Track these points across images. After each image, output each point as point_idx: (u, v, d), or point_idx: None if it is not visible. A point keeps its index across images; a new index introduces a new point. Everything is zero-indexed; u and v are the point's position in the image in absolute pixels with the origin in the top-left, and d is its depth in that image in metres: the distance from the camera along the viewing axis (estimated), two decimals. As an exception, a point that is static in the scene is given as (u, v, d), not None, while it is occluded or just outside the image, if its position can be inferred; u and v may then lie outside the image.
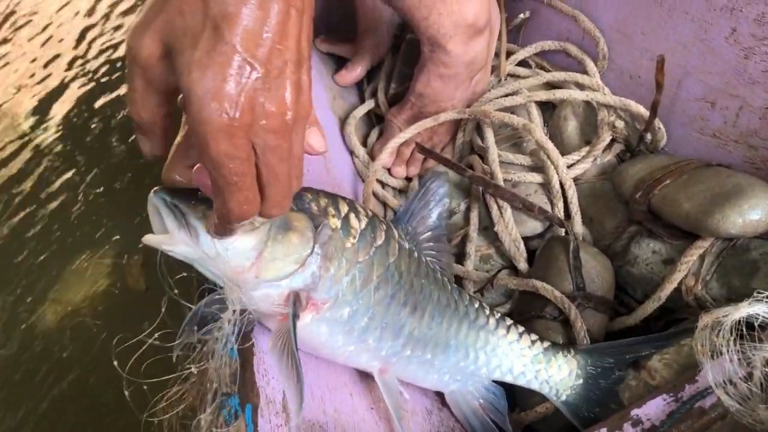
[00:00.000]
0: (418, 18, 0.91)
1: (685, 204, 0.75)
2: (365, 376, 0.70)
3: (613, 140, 0.91)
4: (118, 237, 1.50)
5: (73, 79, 2.07)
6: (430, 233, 0.74)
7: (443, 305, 0.68)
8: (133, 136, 1.73)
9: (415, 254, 0.69)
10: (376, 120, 1.13)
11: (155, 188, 0.51)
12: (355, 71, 1.14)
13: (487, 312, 0.73)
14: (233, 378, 0.52)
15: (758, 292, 0.58)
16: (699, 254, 0.74)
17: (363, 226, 0.62)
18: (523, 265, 0.86)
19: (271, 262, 0.52)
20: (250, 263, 0.51)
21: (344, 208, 0.61)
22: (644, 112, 0.86)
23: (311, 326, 0.58)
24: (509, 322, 0.74)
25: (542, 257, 0.84)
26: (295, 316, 0.54)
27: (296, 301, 0.54)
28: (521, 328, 0.74)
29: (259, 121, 0.41)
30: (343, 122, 1.08)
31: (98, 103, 1.93)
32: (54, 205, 1.65)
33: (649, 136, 0.88)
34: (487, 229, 0.90)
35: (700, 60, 0.83)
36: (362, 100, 1.15)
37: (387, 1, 0.92)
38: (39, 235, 1.58)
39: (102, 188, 1.64)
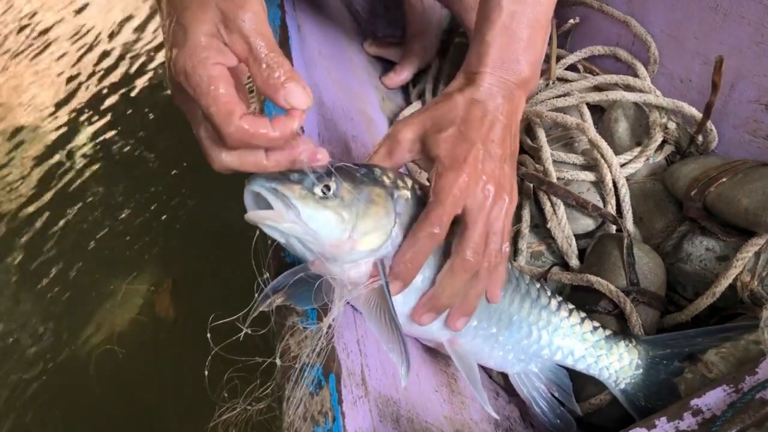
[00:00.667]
0: (469, 20, 0.94)
1: (743, 200, 0.76)
2: (430, 361, 0.71)
3: (663, 142, 0.92)
4: (150, 264, 1.50)
5: (106, 102, 2.10)
6: None
7: (506, 280, 0.69)
8: (164, 162, 1.76)
9: None
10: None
11: (250, 177, 0.53)
12: (403, 74, 1.17)
13: (549, 293, 0.74)
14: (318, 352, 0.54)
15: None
16: (755, 251, 0.75)
17: (423, 195, 0.63)
18: (574, 261, 0.87)
19: (365, 236, 0.55)
20: (348, 236, 0.54)
21: (408, 181, 0.63)
22: (696, 113, 0.88)
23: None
24: (571, 306, 0.75)
25: (594, 254, 0.85)
26: (387, 283, 0.56)
27: (384, 268, 0.57)
28: (583, 314, 0.75)
29: None
30: (391, 121, 1.10)
31: (133, 131, 1.96)
32: (86, 229, 1.66)
33: (700, 138, 0.90)
34: (538, 226, 0.92)
35: (756, 63, 0.84)
36: (408, 103, 1.17)
37: (445, 3, 0.95)
38: (69, 260, 1.59)
39: (135, 215, 1.65)
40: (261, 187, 0.52)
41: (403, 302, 0.61)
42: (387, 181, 0.60)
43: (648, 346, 0.73)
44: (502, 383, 0.80)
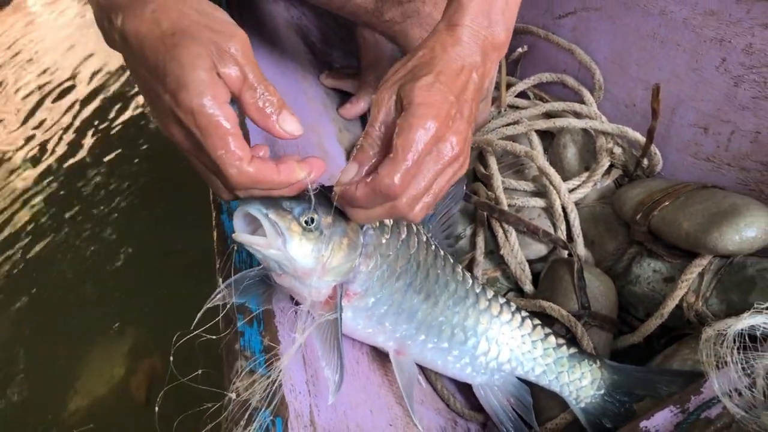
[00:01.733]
0: None
1: (684, 223, 0.78)
2: (384, 395, 0.72)
3: (611, 166, 0.95)
4: (130, 336, 1.48)
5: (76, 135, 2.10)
6: (449, 230, 0.80)
7: (458, 296, 0.72)
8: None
9: (433, 246, 0.72)
10: (380, 151, 1.16)
11: (244, 199, 0.55)
12: (359, 104, 1.18)
13: (513, 308, 0.76)
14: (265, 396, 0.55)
15: (758, 304, 0.61)
16: (699, 272, 0.78)
17: (392, 222, 0.67)
18: (528, 287, 0.89)
19: (334, 268, 0.59)
20: (320, 266, 0.58)
21: None
22: (641, 138, 0.91)
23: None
24: (536, 322, 0.76)
25: (547, 279, 0.87)
26: (341, 307, 0.60)
27: (342, 293, 0.61)
28: (548, 330, 0.76)
29: None
30: (349, 153, 1.11)
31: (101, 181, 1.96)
32: (62, 293, 1.64)
33: (645, 162, 0.92)
34: (493, 253, 0.93)
35: (693, 88, 0.87)
36: (366, 132, 1.18)
37: (391, 39, 0.97)
38: (44, 327, 1.57)
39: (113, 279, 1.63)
40: (258, 212, 0.55)
41: (351, 318, 0.65)
42: None
43: (612, 371, 0.75)
44: (457, 406, 0.81)
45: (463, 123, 0.54)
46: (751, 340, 0.59)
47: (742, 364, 0.59)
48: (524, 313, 0.76)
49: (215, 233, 0.73)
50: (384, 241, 0.65)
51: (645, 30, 0.91)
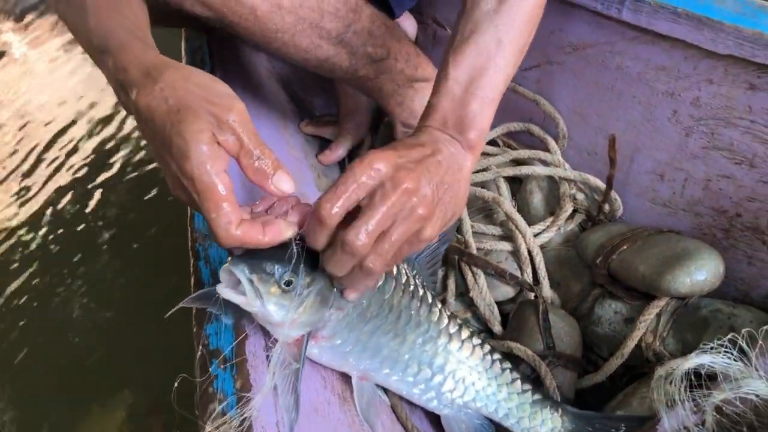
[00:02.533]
0: (393, 105, 1.01)
1: (640, 267, 0.82)
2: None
3: (575, 211, 0.99)
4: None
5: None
6: (434, 267, 0.83)
7: (429, 335, 0.75)
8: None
9: (411, 286, 0.75)
10: (358, 196, 1.21)
11: (232, 259, 0.61)
12: (338, 151, 1.23)
13: (486, 350, 0.78)
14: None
15: (704, 344, 0.65)
16: (656, 313, 0.82)
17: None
18: (497, 327, 0.93)
19: (305, 323, 0.64)
20: (291, 320, 0.63)
21: None
22: (601, 185, 0.95)
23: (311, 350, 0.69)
24: (506, 365, 0.79)
25: (515, 320, 0.91)
26: (304, 358, 0.64)
27: (308, 340, 0.65)
28: (516, 374, 0.78)
29: None
30: (327, 198, 1.15)
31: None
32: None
33: (607, 207, 0.97)
34: (463, 295, 0.97)
35: (649, 138, 0.92)
36: (345, 178, 1.23)
37: (365, 93, 1.02)
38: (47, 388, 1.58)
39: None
40: (242, 275, 0.59)
41: (317, 354, 0.70)
42: None
43: (573, 418, 0.77)
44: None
45: (426, 185, 0.58)
46: (702, 379, 0.63)
47: (691, 402, 0.63)
48: (496, 356, 0.79)
49: (192, 279, 0.77)
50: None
51: (603, 83, 0.96)
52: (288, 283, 0.61)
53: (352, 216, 0.56)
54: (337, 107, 1.23)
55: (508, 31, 0.67)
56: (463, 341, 0.77)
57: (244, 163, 0.57)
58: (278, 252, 0.60)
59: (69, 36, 2.92)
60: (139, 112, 0.57)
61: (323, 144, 1.27)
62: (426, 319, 0.75)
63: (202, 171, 0.54)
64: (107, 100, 2.40)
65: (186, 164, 0.54)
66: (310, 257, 0.62)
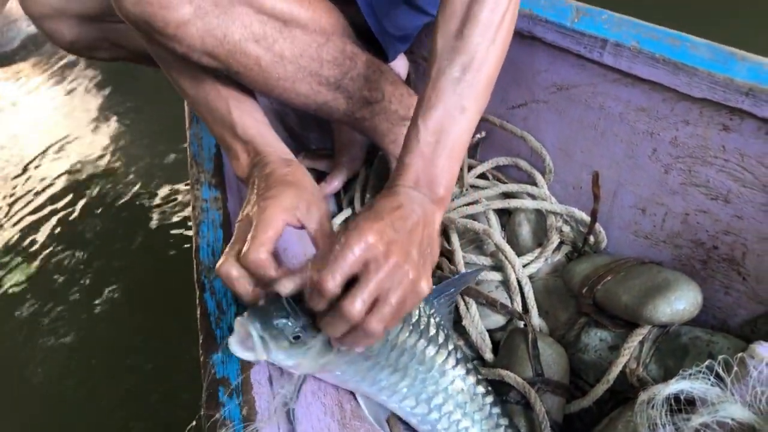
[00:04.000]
0: (387, 142, 1.06)
1: (623, 297, 0.87)
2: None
3: (561, 242, 1.04)
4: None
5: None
6: (451, 307, 0.88)
7: (431, 375, 0.79)
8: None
9: (422, 326, 0.79)
10: (353, 227, 1.25)
11: (246, 313, 0.69)
12: (333, 184, 1.27)
13: (487, 401, 0.82)
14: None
15: (683, 370, 0.69)
16: (639, 340, 0.86)
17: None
18: (489, 355, 0.97)
19: (309, 368, 0.71)
20: (296, 366, 0.70)
21: None
22: (586, 218, 1.00)
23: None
24: (503, 421, 0.83)
25: (505, 348, 0.95)
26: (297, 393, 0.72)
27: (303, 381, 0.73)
28: (507, 421, 0.83)
29: None
30: (323, 229, 1.20)
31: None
32: None
33: (592, 239, 1.02)
34: (456, 323, 1.01)
35: (630, 174, 0.98)
36: (340, 209, 1.27)
37: (361, 132, 1.07)
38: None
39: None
40: (254, 331, 0.67)
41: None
42: None
43: None
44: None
45: (413, 251, 0.66)
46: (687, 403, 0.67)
47: (672, 426, 0.67)
48: (495, 409, 0.83)
49: (198, 310, 0.80)
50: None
51: (587, 122, 1.02)
52: (296, 338, 0.68)
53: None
54: (332, 141, 1.28)
55: (470, 97, 0.74)
56: (464, 389, 0.81)
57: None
58: (284, 307, 0.67)
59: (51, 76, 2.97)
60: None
61: (319, 176, 1.31)
62: (431, 360, 0.79)
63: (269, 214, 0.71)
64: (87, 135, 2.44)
65: (258, 207, 0.73)
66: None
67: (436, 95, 0.73)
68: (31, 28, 3.40)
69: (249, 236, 0.70)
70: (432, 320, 0.81)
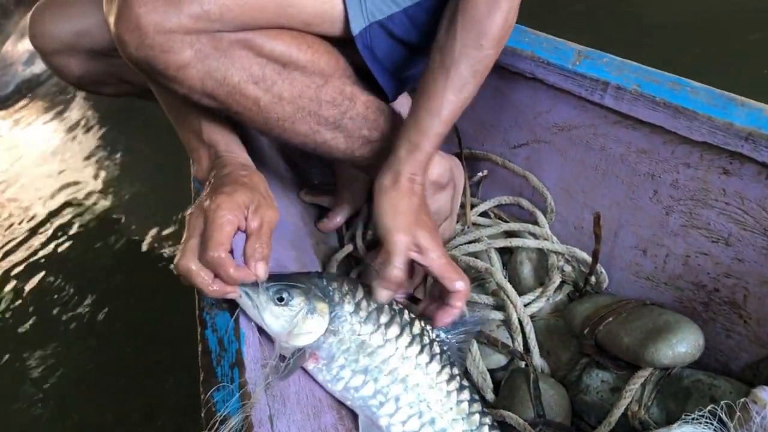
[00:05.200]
0: None
1: (625, 339, 0.87)
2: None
3: (563, 282, 1.04)
4: None
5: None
6: (464, 344, 0.90)
7: (431, 394, 0.82)
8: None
9: (426, 341, 0.84)
10: (354, 263, 1.25)
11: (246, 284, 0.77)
12: (335, 220, 1.28)
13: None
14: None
15: (686, 415, 0.69)
16: (641, 383, 0.86)
17: (372, 307, 0.83)
18: (490, 395, 0.96)
19: (297, 336, 0.78)
20: (287, 332, 0.78)
21: (360, 294, 0.83)
22: (588, 258, 1.01)
23: (311, 371, 0.82)
24: None
25: (506, 388, 0.95)
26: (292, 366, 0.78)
27: (302, 355, 0.79)
28: None
29: None
30: (325, 266, 1.20)
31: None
32: None
33: (593, 279, 1.02)
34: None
35: (631, 215, 0.98)
36: (342, 245, 1.28)
37: (361, 170, 1.08)
38: None
39: None
40: (241, 289, 0.77)
41: (313, 371, 0.82)
42: (336, 296, 0.82)
43: None
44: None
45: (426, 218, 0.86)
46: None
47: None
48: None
49: (200, 347, 0.80)
50: (356, 323, 0.81)
51: (588, 162, 1.03)
52: (280, 299, 0.77)
53: None
54: (335, 177, 1.29)
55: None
56: (465, 416, 0.83)
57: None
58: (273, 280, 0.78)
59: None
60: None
61: (321, 212, 1.32)
62: (434, 380, 0.82)
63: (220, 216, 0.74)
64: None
65: (209, 206, 0.76)
66: (305, 284, 0.80)
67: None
68: (27, 72, 3.45)
69: (206, 234, 0.74)
70: (439, 348, 0.85)
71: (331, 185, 1.32)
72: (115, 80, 1.12)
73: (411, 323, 0.84)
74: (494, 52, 0.88)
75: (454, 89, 0.86)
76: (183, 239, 0.77)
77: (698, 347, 0.83)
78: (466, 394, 0.84)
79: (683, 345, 0.82)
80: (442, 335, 0.87)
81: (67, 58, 1.08)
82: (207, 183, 0.86)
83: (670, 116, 0.88)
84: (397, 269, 0.80)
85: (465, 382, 0.85)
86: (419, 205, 0.85)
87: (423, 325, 0.85)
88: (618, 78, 0.93)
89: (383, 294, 0.81)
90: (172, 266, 0.75)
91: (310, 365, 0.81)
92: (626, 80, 0.92)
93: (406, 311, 0.86)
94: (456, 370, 0.85)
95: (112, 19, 0.78)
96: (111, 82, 1.12)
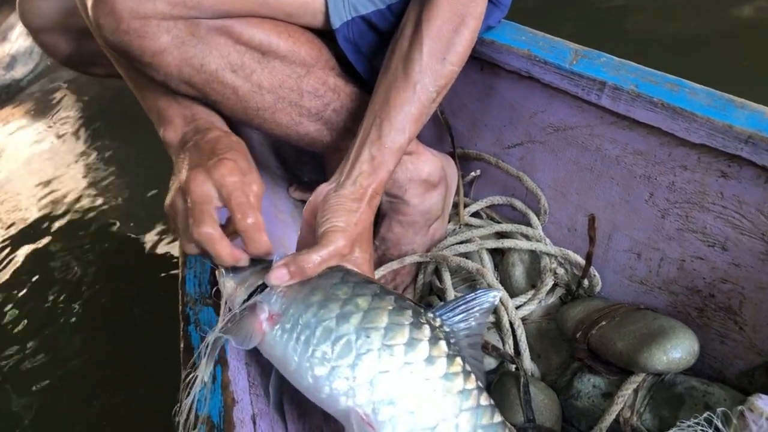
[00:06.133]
0: None
1: (618, 343, 0.85)
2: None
3: (555, 285, 1.02)
4: None
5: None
6: (466, 336, 0.72)
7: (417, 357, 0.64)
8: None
9: (424, 326, 0.66)
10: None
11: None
12: (324, 217, 1.25)
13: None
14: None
15: (680, 422, 0.67)
16: (633, 388, 0.84)
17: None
18: (478, 398, 0.94)
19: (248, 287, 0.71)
20: (236, 284, 0.72)
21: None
22: (581, 260, 0.99)
23: (270, 338, 0.67)
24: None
25: (496, 391, 0.92)
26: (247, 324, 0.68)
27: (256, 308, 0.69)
28: None
29: None
30: (313, 263, 1.17)
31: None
32: None
33: (586, 282, 1.00)
34: (446, 364, 0.98)
35: (626, 218, 0.97)
36: (330, 243, 1.25)
37: None
38: None
39: None
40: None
41: (272, 340, 0.68)
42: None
43: None
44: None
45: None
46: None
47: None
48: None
49: (182, 344, 0.78)
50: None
51: (583, 163, 1.01)
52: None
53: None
54: (324, 173, 1.27)
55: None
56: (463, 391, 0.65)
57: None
58: None
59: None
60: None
61: (310, 210, 1.29)
62: (420, 341, 0.64)
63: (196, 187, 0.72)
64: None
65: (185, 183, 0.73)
66: None
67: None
68: (7, 77, 3.33)
69: (235, 202, 0.71)
70: (445, 332, 0.68)
71: (321, 181, 1.30)
72: (105, 60, 1.09)
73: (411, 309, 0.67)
74: (458, 68, 0.86)
75: (420, 104, 0.83)
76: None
77: (693, 353, 0.81)
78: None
79: (678, 351, 0.81)
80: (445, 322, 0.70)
81: (57, 37, 1.06)
82: (191, 145, 0.82)
83: (668, 117, 0.86)
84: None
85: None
86: (371, 221, 0.80)
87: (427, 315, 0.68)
88: (615, 78, 0.91)
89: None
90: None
91: (267, 327, 0.67)
92: (623, 80, 0.90)
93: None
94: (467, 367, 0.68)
95: (89, 2, 0.77)
96: (101, 62, 1.09)
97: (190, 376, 0.68)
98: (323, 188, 0.82)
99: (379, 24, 0.97)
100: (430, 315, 0.69)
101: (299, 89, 0.93)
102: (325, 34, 0.96)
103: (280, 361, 0.67)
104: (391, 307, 0.66)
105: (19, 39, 3.34)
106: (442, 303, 0.76)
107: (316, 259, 0.70)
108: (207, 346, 0.68)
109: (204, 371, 0.69)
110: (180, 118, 0.88)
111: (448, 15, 0.83)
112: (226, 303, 0.73)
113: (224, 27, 0.84)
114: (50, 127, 2.91)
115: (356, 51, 0.98)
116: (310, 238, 0.81)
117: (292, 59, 0.91)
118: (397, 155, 0.82)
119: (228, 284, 0.72)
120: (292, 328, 0.66)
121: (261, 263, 0.74)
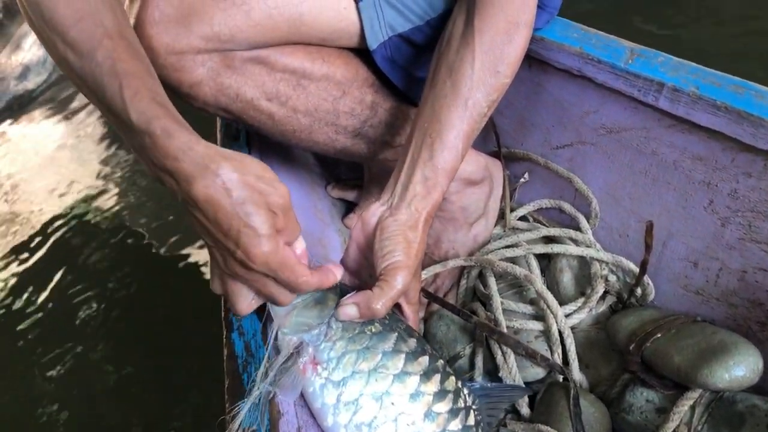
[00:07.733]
0: None
1: (675, 357, 0.81)
2: None
3: (605, 292, 0.99)
4: None
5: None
6: (494, 411, 0.84)
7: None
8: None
9: (447, 379, 0.76)
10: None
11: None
12: (362, 215, 1.23)
13: None
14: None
15: (746, 445, 0.64)
16: (690, 405, 0.80)
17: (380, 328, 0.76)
18: (525, 409, 0.91)
19: (296, 322, 0.72)
20: (285, 314, 0.72)
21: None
22: (634, 268, 0.95)
23: (310, 383, 0.73)
24: None
25: (543, 402, 0.89)
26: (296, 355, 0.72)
27: (301, 348, 0.72)
28: None
29: None
30: (353, 264, 1.15)
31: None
32: None
33: (639, 291, 0.96)
34: (490, 372, 0.96)
35: (683, 225, 0.93)
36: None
37: (384, 172, 1.03)
38: None
39: None
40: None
41: (314, 389, 0.73)
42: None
43: None
44: None
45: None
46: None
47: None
48: None
49: (225, 351, 0.76)
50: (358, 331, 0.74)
51: (638, 167, 0.97)
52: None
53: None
54: (363, 172, 1.24)
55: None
56: None
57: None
58: None
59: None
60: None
61: (349, 207, 1.27)
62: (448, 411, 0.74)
63: (272, 256, 0.62)
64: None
65: (257, 253, 0.61)
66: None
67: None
68: (19, 88, 3.29)
69: (288, 284, 0.66)
70: (466, 396, 0.78)
71: (359, 180, 1.28)
72: None
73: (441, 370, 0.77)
74: (510, 80, 0.82)
75: (472, 120, 0.79)
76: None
77: (757, 371, 0.77)
78: None
79: (741, 368, 0.77)
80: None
81: None
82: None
83: (732, 121, 0.82)
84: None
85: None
86: (425, 246, 0.79)
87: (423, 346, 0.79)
88: (674, 79, 0.87)
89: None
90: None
91: (309, 370, 0.73)
92: (684, 81, 0.86)
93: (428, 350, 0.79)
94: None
95: None
96: None
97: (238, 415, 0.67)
98: (376, 209, 0.80)
99: (417, 39, 0.95)
100: (466, 391, 0.79)
101: (335, 111, 0.93)
102: (363, 51, 0.95)
103: (314, 406, 0.73)
104: (435, 390, 0.74)
105: (32, 48, 3.33)
106: (477, 383, 0.84)
107: (387, 303, 0.71)
108: (258, 398, 0.68)
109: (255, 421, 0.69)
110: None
111: (503, 25, 0.79)
112: (272, 331, 0.73)
113: (258, 57, 0.85)
114: (57, 141, 2.91)
115: (394, 67, 0.96)
116: (358, 258, 0.81)
117: (327, 83, 0.91)
118: (450, 175, 0.78)
119: (278, 312, 0.73)
120: (335, 386, 0.72)
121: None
